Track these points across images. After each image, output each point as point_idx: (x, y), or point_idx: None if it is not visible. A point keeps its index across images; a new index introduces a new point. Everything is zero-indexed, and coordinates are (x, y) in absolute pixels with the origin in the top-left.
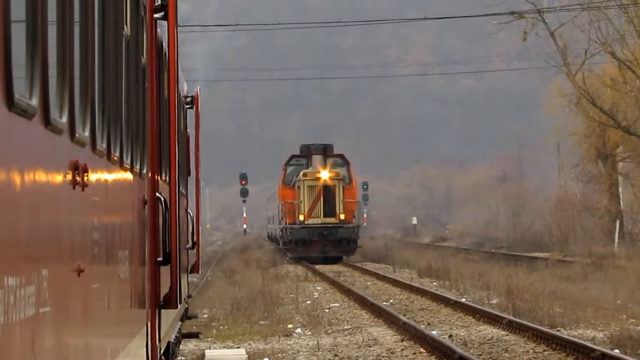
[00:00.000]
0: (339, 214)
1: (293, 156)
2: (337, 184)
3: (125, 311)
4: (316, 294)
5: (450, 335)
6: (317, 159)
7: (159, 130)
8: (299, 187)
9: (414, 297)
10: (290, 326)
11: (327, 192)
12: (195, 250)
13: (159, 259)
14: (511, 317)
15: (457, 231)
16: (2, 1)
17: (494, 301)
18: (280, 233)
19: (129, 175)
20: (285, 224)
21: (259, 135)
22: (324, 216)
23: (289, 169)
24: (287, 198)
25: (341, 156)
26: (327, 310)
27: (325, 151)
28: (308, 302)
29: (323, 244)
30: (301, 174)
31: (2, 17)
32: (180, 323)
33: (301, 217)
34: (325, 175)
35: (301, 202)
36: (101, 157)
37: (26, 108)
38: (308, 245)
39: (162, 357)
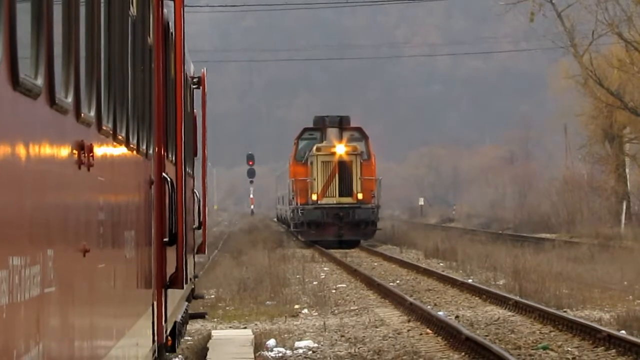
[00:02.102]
0: (357, 193)
1: (306, 129)
2: (355, 159)
3: (131, 291)
4: (323, 275)
5: (457, 316)
6: (332, 132)
7: (165, 111)
8: (312, 163)
9: (421, 278)
10: (296, 307)
11: (343, 168)
12: (201, 230)
13: (165, 239)
14: (518, 298)
15: (464, 212)
16: None
17: (501, 282)
18: (291, 214)
19: (135, 155)
20: (297, 204)
21: (266, 115)
22: (340, 195)
23: (301, 143)
24: (299, 175)
25: (359, 129)
26: (333, 291)
27: (342, 123)
28: (315, 282)
29: (339, 226)
30: (314, 148)
31: None
32: (186, 303)
33: (314, 197)
34: (341, 149)
35: (314, 179)
36: (107, 137)
37: (31, 87)
38: (322, 228)
39: (169, 337)
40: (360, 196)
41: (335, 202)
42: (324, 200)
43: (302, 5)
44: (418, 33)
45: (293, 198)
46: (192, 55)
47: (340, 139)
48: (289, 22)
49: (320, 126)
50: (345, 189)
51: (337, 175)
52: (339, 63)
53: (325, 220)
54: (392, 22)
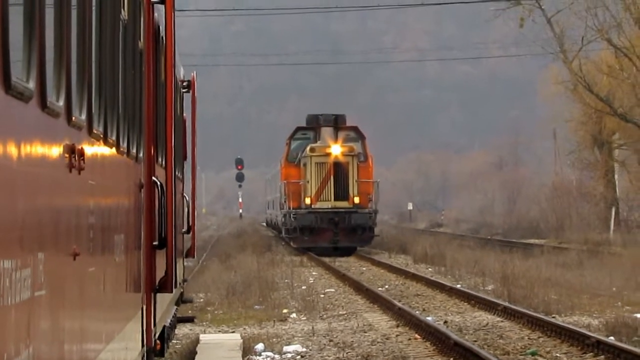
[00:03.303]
0: (353, 196)
1: (299, 128)
2: (351, 160)
3: (120, 295)
4: (311, 279)
5: (446, 321)
6: (326, 131)
7: (155, 114)
8: (305, 164)
9: (409, 283)
10: (285, 311)
11: (339, 170)
12: (190, 234)
13: (154, 243)
14: (506, 304)
15: (452, 217)
16: None
17: (489, 287)
18: (283, 219)
19: (125, 159)
20: (289, 208)
21: (255, 120)
22: (335, 199)
23: (294, 143)
24: (291, 177)
25: (355, 129)
26: (322, 296)
27: (337, 122)
28: (303, 287)
29: (334, 232)
30: (308, 149)
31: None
32: (175, 307)
33: (308, 200)
34: (336, 150)
35: (308, 182)
36: (98, 141)
37: (23, 91)
38: (315, 234)
39: (157, 340)
40: (356, 200)
41: (330, 206)
42: (318, 204)
43: (291, 10)
44: (407, 38)
45: (285, 202)
46: (181, 59)
47: (336, 139)
48: (279, 27)
49: (314, 125)
50: (341, 192)
51: (332, 177)
52: (328, 68)
53: (319, 226)
54: (382, 28)
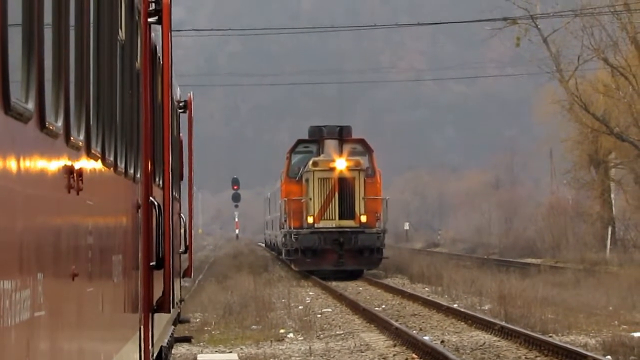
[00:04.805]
0: (359, 215)
1: (300, 141)
2: (357, 176)
3: (118, 315)
4: (308, 299)
5: (443, 341)
6: (330, 144)
7: (152, 135)
8: (307, 180)
9: (406, 303)
10: (282, 331)
11: (344, 186)
12: (187, 254)
13: (152, 264)
14: (503, 323)
15: (449, 237)
16: None
17: (486, 307)
18: (283, 240)
19: (123, 179)
20: (290, 227)
21: (251, 140)
22: (340, 218)
23: (295, 157)
24: (292, 195)
25: (362, 141)
26: (319, 316)
27: (342, 134)
28: (300, 307)
29: (339, 254)
30: (310, 163)
31: None
32: (172, 327)
33: (310, 219)
34: (341, 164)
35: (310, 199)
36: (96, 161)
37: (22, 112)
38: (319, 256)
39: None
40: (363, 219)
41: (334, 225)
42: (322, 224)
43: (287, 30)
44: (403, 58)
45: (285, 221)
46: (177, 79)
47: (341, 152)
48: (274, 47)
49: (316, 137)
50: (347, 211)
51: (336, 194)
52: (324, 87)
53: (322, 247)
54: (377, 47)
